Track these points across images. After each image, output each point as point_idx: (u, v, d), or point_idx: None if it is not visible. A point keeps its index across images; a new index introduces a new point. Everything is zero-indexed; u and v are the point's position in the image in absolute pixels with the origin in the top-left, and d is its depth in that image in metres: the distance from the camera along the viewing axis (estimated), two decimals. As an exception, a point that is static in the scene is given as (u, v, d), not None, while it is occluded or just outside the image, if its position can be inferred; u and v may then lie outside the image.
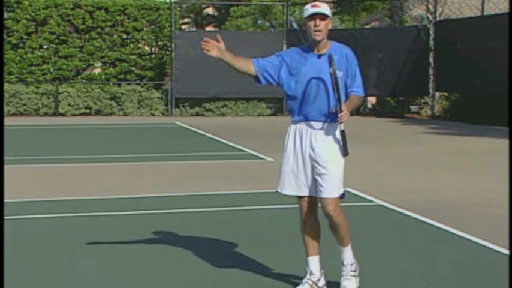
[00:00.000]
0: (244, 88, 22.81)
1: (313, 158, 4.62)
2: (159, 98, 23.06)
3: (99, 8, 23.61)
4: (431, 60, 21.54)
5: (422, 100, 22.93)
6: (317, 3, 4.58)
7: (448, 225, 6.83)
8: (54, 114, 22.17)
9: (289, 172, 4.72)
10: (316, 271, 4.74)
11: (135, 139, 15.85)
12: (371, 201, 7.94)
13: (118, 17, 23.77)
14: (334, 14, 26.05)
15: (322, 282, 4.77)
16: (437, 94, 22.02)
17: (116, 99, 22.72)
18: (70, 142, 14.98)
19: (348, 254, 4.77)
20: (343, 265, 4.77)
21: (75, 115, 22.25)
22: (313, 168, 4.63)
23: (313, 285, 4.71)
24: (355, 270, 4.77)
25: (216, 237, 6.43)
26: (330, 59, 4.54)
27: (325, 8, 4.57)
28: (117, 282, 5.19)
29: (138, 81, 23.74)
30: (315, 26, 4.54)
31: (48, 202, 8.20)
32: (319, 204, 4.72)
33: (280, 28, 26.70)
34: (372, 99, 23.56)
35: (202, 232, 6.62)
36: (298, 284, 4.86)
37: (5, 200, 7.62)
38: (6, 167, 10.69)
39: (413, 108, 23.43)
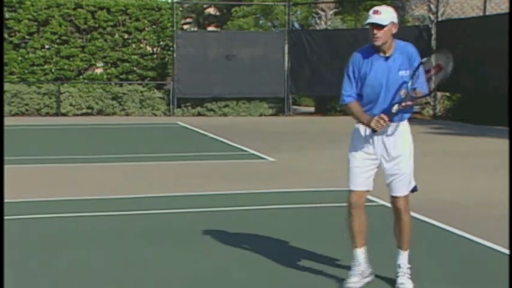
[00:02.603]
0: (245, 88, 22.86)
1: (386, 158, 4.83)
2: (160, 98, 23.08)
3: (101, 8, 23.64)
4: (432, 60, 21.50)
5: (424, 100, 22.90)
6: (378, 9, 4.78)
7: (449, 225, 6.85)
8: (56, 114, 22.20)
9: (354, 168, 4.87)
10: (364, 263, 4.90)
11: (137, 139, 15.87)
12: (373, 201, 7.93)
13: (120, 17, 23.80)
14: (335, 14, 26.06)
15: (368, 272, 4.93)
16: (439, 94, 22.02)
17: (117, 99, 22.74)
18: (71, 142, 15.00)
19: (405, 258, 4.94)
20: (400, 267, 4.93)
21: (77, 115, 22.28)
22: (380, 166, 4.85)
23: (361, 276, 4.87)
24: (410, 274, 4.92)
25: (218, 237, 6.45)
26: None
27: (384, 16, 4.74)
28: (120, 282, 5.20)
29: (139, 81, 23.76)
30: (373, 34, 4.75)
31: (47, 202, 8.18)
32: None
33: (281, 28, 26.72)
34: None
35: (204, 232, 6.63)
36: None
37: (6, 200, 7.66)
38: (6, 167, 10.71)
39: (415, 108, 23.41)
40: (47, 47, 23.51)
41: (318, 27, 24.92)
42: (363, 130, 4.85)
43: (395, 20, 4.79)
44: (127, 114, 22.52)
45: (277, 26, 29.05)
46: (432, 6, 22.16)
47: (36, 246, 6.17)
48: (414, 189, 4.98)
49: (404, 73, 4.76)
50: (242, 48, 23.42)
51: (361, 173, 4.84)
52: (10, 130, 17.52)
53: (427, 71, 4.90)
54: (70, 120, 20.70)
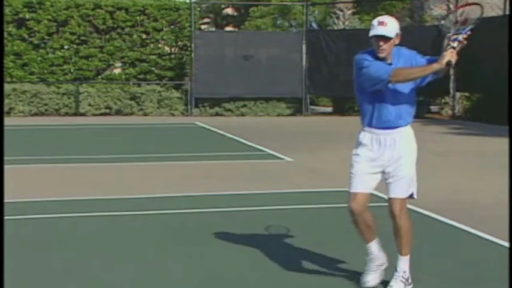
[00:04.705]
0: (263, 88, 22.86)
1: (390, 161, 4.77)
2: (178, 98, 23.14)
3: (120, 9, 23.74)
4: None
5: (443, 100, 22.82)
6: (384, 20, 4.69)
7: (467, 225, 6.83)
8: (75, 114, 22.32)
9: (357, 172, 4.81)
10: (379, 254, 4.91)
11: (155, 139, 15.91)
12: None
13: (138, 17, 23.89)
14: (353, 13, 26.01)
15: (383, 260, 4.96)
16: (457, 94, 21.89)
17: (135, 99, 22.82)
18: (89, 142, 15.06)
19: (403, 263, 4.87)
20: (396, 271, 4.87)
21: (96, 115, 22.38)
22: (382, 169, 4.79)
23: (376, 273, 4.90)
24: (407, 279, 4.86)
25: (235, 237, 6.45)
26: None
27: (390, 27, 4.65)
28: (131, 281, 5.22)
29: (158, 81, 23.83)
30: (379, 46, 4.66)
31: (58, 202, 8.17)
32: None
33: (299, 28, 26.70)
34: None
35: (220, 232, 6.64)
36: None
37: (17, 200, 7.73)
38: (23, 166, 10.80)
39: (434, 108, 23.32)
40: (66, 47, 23.64)
41: (335, 27, 24.87)
42: (369, 138, 4.80)
43: (399, 31, 4.71)
44: (145, 114, 22.59)
45: (295, 26, 29.03)
46: (451, 6, 22.03)
47: (47, 245, 6.18)
48: (411, 196, 4.88)
49: None
50: (260, 48, 23.43)
51: (366, 176, 4.79)
52: (29, 130, 17.65)
53: (455, 22, 4.91)
54: (88, 120, 20.80)
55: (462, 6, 4.98)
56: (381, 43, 4.64)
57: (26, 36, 23.17)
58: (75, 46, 23.54)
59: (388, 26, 4.65)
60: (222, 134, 16.68)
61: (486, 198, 8.39)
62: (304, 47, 23.18)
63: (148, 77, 23.95)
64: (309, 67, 23.16)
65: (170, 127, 19.03)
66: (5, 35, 22.71)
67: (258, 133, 16.74)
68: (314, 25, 28.37)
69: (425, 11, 25.46)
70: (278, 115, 22.94)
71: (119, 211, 7.72)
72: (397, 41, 4.71)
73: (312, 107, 24.66)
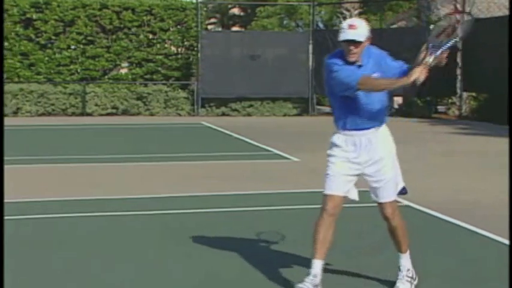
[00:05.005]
0: (270, 88, 22.85)
1: (368, 162, 4.71)
2: (185, 98, 23.14)
3: (126, 9, 23.77)
4: (458, 60, 21.36)
5: (450, 100, 22.75)
6: (355, 23, 4.61)
7: (467, 224, 6.79)
8: (82, 114, 22.35)
9: (334, 173, 4.76)
10: (319, 276, 4.66)
11: (160, 139, 15.91)
12: (397, 202, 7.89)
13: (145, 18, 23.90)
14: (360, 13, 25.97)
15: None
16: (464, 94, 21.82)
17: (142, 99, 22.84)
18: (95, 142, 15.07)
19: (404, 261, 4.87)
20: (400, 270, 4.86)
21: (102, 115, 22.40)
22: (360, 174, 4.74)
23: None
24: (411, 277, 4.85)
25: (238, 237, 6.44)
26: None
27: (361, 31, 4.56)
28: (132, 282, 5.20)
29: (164, 81, 23.84)
30: (349, 50, 4.58)
31: (58, 202, 8.17)
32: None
33: (306, 28, 26.68)
34: (398, 99, 23.44)
35: (225, 232, 6.62)
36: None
37: (19, 200, 7.73)
38: (24, 166, 10.80)
39: (441, 108, 23.25)
40: (72, 47, 23.66)
41: (342, 27, 24.82)
42: (343, 140, 4.76)
43: (368, 34, 4.62)
44: (151, 114, 22.60)
45: (302, 26, 29.02)
46: (458, 6, 21.96)
47: (47, 245, 6.18)
48: (403, 192, 4.91)
49: (377, 76, 4.63)
50: (266, 48, 23.42)
51: (343, 178, 4.72)
52: (32, 130, 17.70)
53: (441, 32, 4.70)
54: (95, 120, 20.82)
55: (460, 12, 4.85)
56: (352, 47, 4.57)
57: (33, 36, 23.22)
58: (81, 46, 23.57)
59: (358, 29, 4.57)
60: (228, 134, 16.67)
61: (487, 198, 8.35)
62: (310, 47, 23.14)
63: (154, 77, 23.96)
64: (316, 67, 23.10)
65: (176, 127, 19.03)
66: (12, 35, 22.83)
67: (264, 133, 16.72)
68: (320, 25, 28.35)
69: (432, 11, 25.37)
70: (284, 115, 22.90)
71: (119, 211, 7.71)
72: (367, 43, 4.63)
73: (319, 107, 24.62)
